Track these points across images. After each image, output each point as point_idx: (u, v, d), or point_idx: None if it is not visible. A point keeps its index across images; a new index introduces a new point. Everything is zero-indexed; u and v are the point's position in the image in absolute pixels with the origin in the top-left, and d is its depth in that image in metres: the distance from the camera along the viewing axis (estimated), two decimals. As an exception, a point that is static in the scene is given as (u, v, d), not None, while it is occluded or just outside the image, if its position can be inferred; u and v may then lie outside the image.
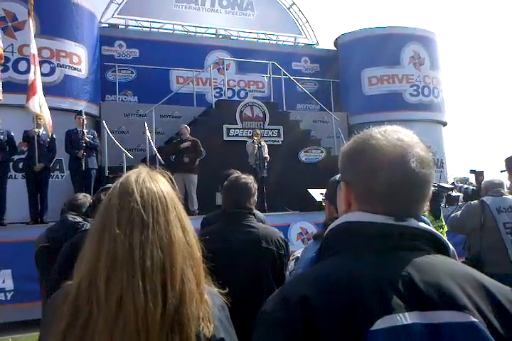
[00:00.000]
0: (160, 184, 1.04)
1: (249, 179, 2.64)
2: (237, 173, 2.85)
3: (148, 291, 0.93)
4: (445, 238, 0.87)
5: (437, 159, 12.82)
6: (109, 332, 0.91)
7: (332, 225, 0.91)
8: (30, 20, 6.80)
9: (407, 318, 0.74)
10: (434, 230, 0.87)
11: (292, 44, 13.82)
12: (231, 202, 2.58)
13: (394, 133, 0.89)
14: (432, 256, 0.83)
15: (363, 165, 0.88)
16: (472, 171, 3.87)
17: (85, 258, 0.98)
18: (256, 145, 8.27)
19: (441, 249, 0.86)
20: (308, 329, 0.75)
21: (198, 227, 3.45)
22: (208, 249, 2.35)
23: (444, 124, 13.59)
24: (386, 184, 0.85)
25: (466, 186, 3.91)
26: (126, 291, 0.92)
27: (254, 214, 2.57)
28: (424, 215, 2.78)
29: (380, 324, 0.74)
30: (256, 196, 2.64)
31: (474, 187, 3.84)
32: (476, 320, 0.74)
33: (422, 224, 0.85)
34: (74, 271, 0.98)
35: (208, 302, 1.02)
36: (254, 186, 2.63)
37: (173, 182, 1.10)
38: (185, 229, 1.04)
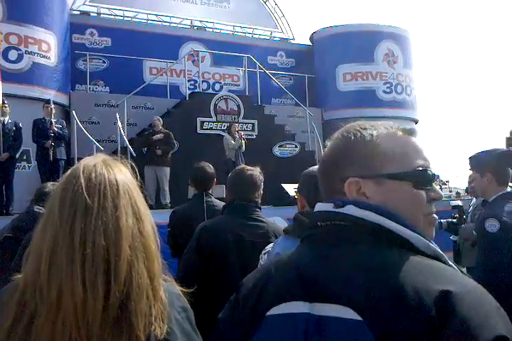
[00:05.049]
0: (115, 170, 0.97)
1: (255, 171, 2.52)
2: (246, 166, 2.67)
3: (87, 282, 0.86)
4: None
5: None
6: (51, 326, 0.85)
7: None
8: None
9: (296, 307, 0.77)
10: (371, 216, 0.79)
11: (268, 38, 13.77)
12: (235, 195, 2.49)
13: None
14: (351, 246, 0.79)
15: None
16: (455, 206, 3.91)
17: (32, 247, 0.92)
18: (241, 140, 8.27)
19: (385, 236, 0.79)
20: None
21: (167, 220, 3.40)
22: (218, 241, 2.32)
23: (416, 122, 13.82)
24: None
25: (445, 220, 3.86)
26: (65, 282, 0.86)
27: (260, 208, 2.50)
28: None
29: (275, 310, 0.79)
30: (261, 189, 2.53)
31: (455, 219, 3.85)
32: (360, 317, 0.71)
33: (354, 210, 0.80)
34: (23, 262, 0.92)
35: (163, 300, 0.94)
36: (260, 178, 2.52)
37: (135, 172, 1.03)
38: (140, 218, 0.95)
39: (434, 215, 0.86)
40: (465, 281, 0.73)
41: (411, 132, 0.88)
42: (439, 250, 0.79)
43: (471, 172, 3.02)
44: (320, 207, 0.86)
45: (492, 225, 2.49)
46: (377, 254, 0.77)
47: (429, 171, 0.84)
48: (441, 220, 3.80)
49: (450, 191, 15.78)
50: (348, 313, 0.72)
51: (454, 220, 3.77)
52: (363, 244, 0.78)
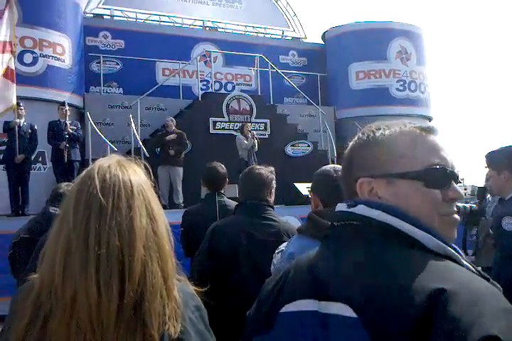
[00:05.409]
0: (129, 171, 0.98)
1: (264, 170, 2.51)
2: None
3: (102, 283, 0.86)
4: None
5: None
6: (66, 328, 0.85)
7: None
8: (8, 7, 6.60)
9: (307, 305, 0.80)
10: (381, 216, 0.78)
11: (280, 37, 13.74)
12: (246, 194, 2.50)
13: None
14: (360, 246, 0.79)
15: None
16: (480, 188, 3.76)
17: (47, 248, 0.92)
18: (253, 140, 8.31)
19: (395, 236, 0.78)
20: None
21: (180, 220, 3.41)
22: (230, 241, 2.34)
23: (430, 119, 13.67)
24: None
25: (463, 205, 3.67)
26: (79, 283, 0.86)
27: (272, 207, 2.50)
28: None
29: (288, 307, 0.83)
30: (273, 187, 2.53)
31: (475, 205, 3.72)
32: (356, 315, 0.71)
33: (364, 210, 0.80)
34: (38, 262, 0.93)
35: (176, 299, 0.94)
36: (270, 177, 2.51)
37: (149, 173, 1.03)
38: (154, 218, 0.96)
39: (455, 215, 0.83)
40: (468, 280, 0.69)
41: (429, 130, 0.86)
42: (450, 249, 0.76)
43: (487, 169, 2.97)
44: (338, 207, 0.88)
45: (509, 223, 2.45)
46: (381, 254, 0.76)
47: (447, 170, 0.81)
48: (463, 205, 3.64)
49: (465, 189, 15.61)
50: (347, 311, 0.73)
51: (474, 205, 3.65)
52: (371, 244, 0.78)
